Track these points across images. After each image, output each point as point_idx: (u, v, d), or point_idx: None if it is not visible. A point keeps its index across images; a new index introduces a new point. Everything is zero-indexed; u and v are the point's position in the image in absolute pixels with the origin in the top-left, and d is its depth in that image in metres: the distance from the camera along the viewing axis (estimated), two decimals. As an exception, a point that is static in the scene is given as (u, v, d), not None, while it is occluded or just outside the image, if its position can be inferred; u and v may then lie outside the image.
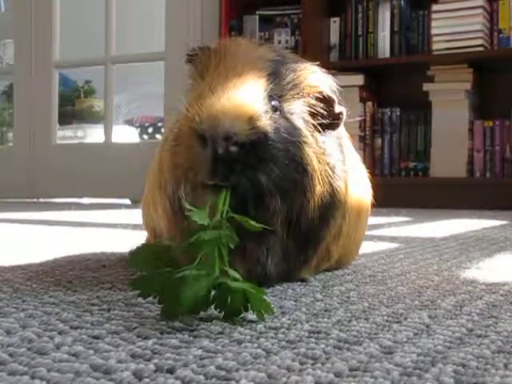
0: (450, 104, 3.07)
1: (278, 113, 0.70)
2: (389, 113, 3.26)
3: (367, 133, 3.26)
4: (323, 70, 0.78)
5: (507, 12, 3.07)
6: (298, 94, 0.74)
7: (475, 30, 3.03)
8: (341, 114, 0.76)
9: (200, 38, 3.35)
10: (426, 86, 3.11)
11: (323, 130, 0.75)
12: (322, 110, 0.75)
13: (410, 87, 3.22)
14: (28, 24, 3.93)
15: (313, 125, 0.74)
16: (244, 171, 0.65)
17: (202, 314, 0.60)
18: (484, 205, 2.87)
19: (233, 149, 0.64)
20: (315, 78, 0.76)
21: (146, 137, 4.99)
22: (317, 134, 0.74)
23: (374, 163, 3.21)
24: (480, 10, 3.03)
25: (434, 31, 3.11)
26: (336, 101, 0.76)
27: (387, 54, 3.26)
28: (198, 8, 3.51)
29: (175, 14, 3.57)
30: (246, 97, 0.67)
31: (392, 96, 3.31)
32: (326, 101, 0.75)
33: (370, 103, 3.27)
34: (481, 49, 3.02)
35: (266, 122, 0.67)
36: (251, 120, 0.66)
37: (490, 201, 2.92)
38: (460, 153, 3.05)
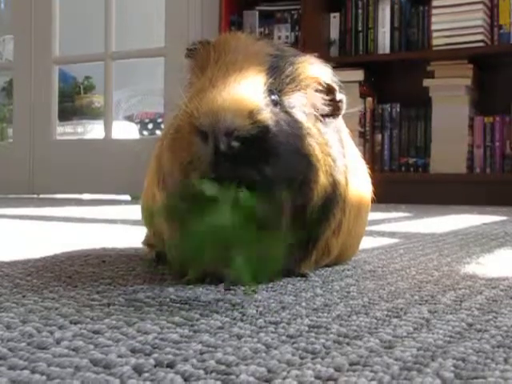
0: (450, 100, 3.06)
1: (278, 107, 0.70)
2: (389, 108, 3.25)
3: (367, 128, 3.26)
4: (321, 61, 0.78)
5: (507, 8, 3.07)
6: (297, 86, 0.74)
7: (475, 25, 3.02)
8: (341, 101, 0.76)
9: (200, 33, 3.34)
10: (426, 82, 3.11)
11: (324, 118, 0.75)
12: (322, 101, 0.75)
13: (410, 83, 3.22)
14: (28, 20, 3.92)
15: (314, 116, 0.74)
16: (247, 165, 0.65)
17: (201, 309, 0.60)
18: (484, 200, 2.87)
19: (234, 144, 0.64)
20: (314, 70, 0.76)
21: (145, 133, 4.99)
22: (319, 125, 0.74)
23: (373, 159, 3.21)
24: (480, 6, 3.02)
25: (434, 27, 3.11)
26: (337, 89, 0.76)
27: (387, 50, 3.25)
28: (198, 3, 3.50)
29: (175, 10, 3.56)
30: (246, 91, 0.67)
31: (392, 92, 3.31)
32: (327, 90, 0.75)
33: (369, 99, 3.27)
34: (481, 44, 3.02)
35: (266, 115, 0.67)
36: (252, 114, 0.66)
37: (489, 197, 2.92)
38: (460, 149, 3.05)
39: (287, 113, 0.71)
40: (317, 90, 0.75)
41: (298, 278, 0.79)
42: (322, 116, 0.75)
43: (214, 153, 0.64)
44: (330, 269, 0.88)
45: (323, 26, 3.36)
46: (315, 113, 0.74)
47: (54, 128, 3.92)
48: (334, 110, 0.76)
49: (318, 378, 0.41)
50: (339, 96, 0.76)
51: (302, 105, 0.73)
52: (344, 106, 0.77)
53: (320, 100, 0.75)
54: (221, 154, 0.64)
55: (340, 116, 0.78)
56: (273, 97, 0.70)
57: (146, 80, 5.07)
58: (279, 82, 0.72)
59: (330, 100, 0.76)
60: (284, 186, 0.68)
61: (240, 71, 0.70)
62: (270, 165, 0.67)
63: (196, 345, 0.48)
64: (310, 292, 0.70)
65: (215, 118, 0.64)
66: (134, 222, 1.47)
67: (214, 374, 0.41)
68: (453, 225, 1.76)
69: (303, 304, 0.63)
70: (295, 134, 0.70)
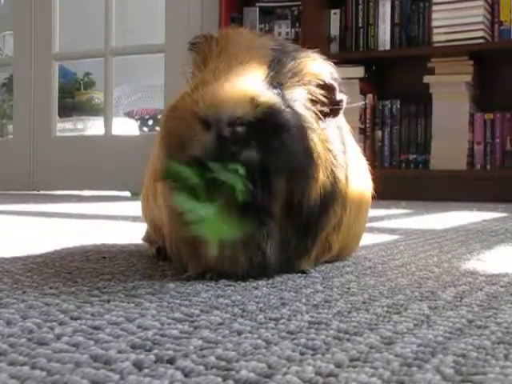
0: (450, 96, 3.06)
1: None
2: (389, 105, 3.25)
3: (367, 125, 3.26)
4: (323, 57, 0.78)
5: (508, 4, 3.06)
6: (299, 81, 0.74)
7: (476, 22, 3.01)
8: (341, 101, 0.76)
9: (200, 30, 3.34)
10: (427, 79, 3.10)
11: (324, 117, 0.75)
12: (322, 98, 0.75)
13: (411, 79, 3.21)
14: (28, 16, 3.92)
15: (314, 112, 0.74)
16: (256, 143, 0.66)
17: (202, 305, 0.60)
18: (484, 197, 2.87)
19: (239, 129, 0.65)
20: (316, 66, 0.76)
21: (145, 129, 4.99)
22: (319, 121, 0.74)
23: (374, 155, 3.21)
24: (481, 2, 3.01)
25: (434, 23, 3.10)
26: (337, 88, 0.76)
27: (388, 46, 3.25)
28: (198, 0, 3.50)
29: (175, 6, 3.56)
30: (247, 81, 0.68)
31: (392, 88, 3.30)
32: (327, 88, 0.75)
33: (370, 95, 3.26)
34: (481, 41, 3.01)
35: (268, 96, 0.67)
36: (253, 100, 0.66)
37: (490, 193, 2.92)
38: (460, 145, 3.04)
39: (289, 106, 0.71)
40: (318, 87, 0.75)
41: (299, 275, 0.79)
42: (322, 114, 0.75)
43: (216, 140, 0.64)
44: (331, 265, 0.88)
45: (323, 22, 3.36)
46: (315, 109, 0.74)
47: (54, 124, 3.92)
48: (334, 108, 0.76)
49: (318, 374, 0.41)
50: (339, 96, 0.76)
51: (303, 100, 0.73)
52: (344, 105, 0.77)
53: (320, 96, 0.75)
54: (225, 140, 0.64)
55: (340, 114, 0.78)
56: (274, 90, 0.70)
57: (146, 76, 5.06)
58: (281, 76, 0.72)
59: (330, 99, 0.76)
60: (284, 175, 0.68)
61: (242, 64, 0.70)
62: (279, 140, 0.67)
63: (196, 341, 0.48)
64: (311, 288, 0.70)
65: (218, 109, 0.64)
66: (134, 219, 1.47)
67: (214, 370, 0.41)
68: (453, 221, 1.76)
69: (303, 300, 0.63)
70: (297, 126, 0.70)
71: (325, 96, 0.75)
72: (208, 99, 0.66)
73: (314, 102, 0.75)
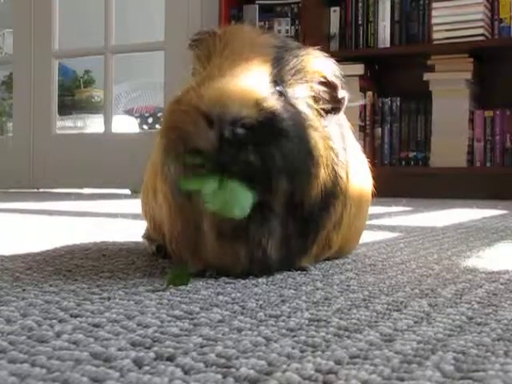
0: (450, 94, 3.06)
1: (282, 98, 0.70)
2: (389, 102, 3.25)
3: (367, 122, 3.26)
4: (325, 55, 0.78)
5: (508, 1, 3.05)
6: (301, 79, 0.74)
7: (476, 19, 3.01)
8: (343, 98, 0.76)
9: (200, 27, 3.33)
10: (427, 76, 3.10)
11: (326, 114, 0.75)
12: (325, 95, 0.75)
13: (410, 77, 3.21)
14: (27, 13, 3.92)
15: (316, 110, 0.74)
16: (254, 149, 0.66)
17: (202, 302, 0.60)
18: (484, 194, 2.87)
19: (240, 131, 0.65)
20: (318, 63, 0.76)
21: (145, 127, 4.99)
22: (320, 119, 0.74)
23: (374, 153, 3.21)
24: (481, -1, 3.02)
25: (434, 20, 3.10)
26: (339, 86, 0.76)
27: (387, 44, 3.25)
28: (197, -3, 3.50)
29: (175, 4, 3.55)
30: (252, 81, 0.68)
31: (392, 86, 3.30)
32: (329, 85, 0.75)
33: (370, 93, 3.26)
34: (481, 38, 3.01)
35: (272, 102, 0.67)
36: (258, 103, 0.66)
37: (490, 190, 2.92)
38: (460, 142, 3.04)
39: (291, 104, 0.71)
40: (320, 84, 0.75)
41: (298, 272, 0.79)
42: (324, 111, 0.75)
43: (218, 140, 0.64)
44: (331, 262, 0.88)
45: (323, 19, 3.36)
46: (318, 106, 0.74)
47: (54, 122, 3.92)
48: (335, 105, 0.76)
49: (318, 371, 0.41)
50: (341, 93, 0.76)
51: (306, 97, 0.74)
52: (345, 103, 0.77)
53: (322, 94, 0.75)
54: (226, 141, 0.64)
55: (341, 111, 0.78)
56: (278, 88, 0.70)
57: (146, 74, 5.06)
58: (284, 74, 0.73)
59: (332, 96, 0.76)
60: (285, 173, 0.68)
61: (246, 61, 0.70)
62: (278, 147, 0.67)
63: (196, 338, 0.48)
64: (310, 285, 0.70)
65: (222, 108, 0.64)
66: (134, 216, 1.47)
67: (214, 367, 0.41)
68: (453, 219, 1.76)
69: (303, 297, 0.63)
70: (299, 124, 0.70)
71: (327, 93, 0.75)
72: (213, 96, 0.66)
73: (316, 99, 0.75)
